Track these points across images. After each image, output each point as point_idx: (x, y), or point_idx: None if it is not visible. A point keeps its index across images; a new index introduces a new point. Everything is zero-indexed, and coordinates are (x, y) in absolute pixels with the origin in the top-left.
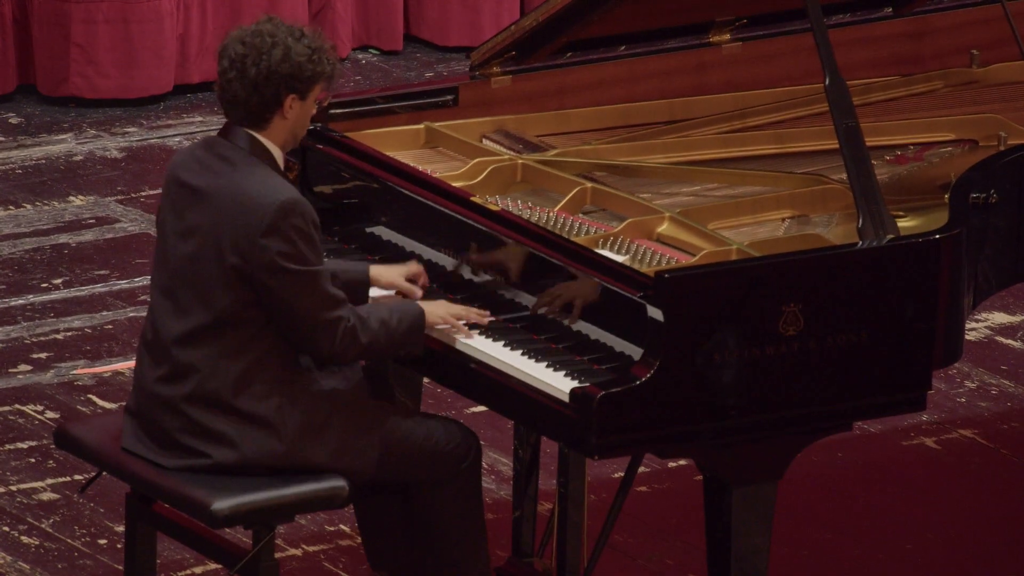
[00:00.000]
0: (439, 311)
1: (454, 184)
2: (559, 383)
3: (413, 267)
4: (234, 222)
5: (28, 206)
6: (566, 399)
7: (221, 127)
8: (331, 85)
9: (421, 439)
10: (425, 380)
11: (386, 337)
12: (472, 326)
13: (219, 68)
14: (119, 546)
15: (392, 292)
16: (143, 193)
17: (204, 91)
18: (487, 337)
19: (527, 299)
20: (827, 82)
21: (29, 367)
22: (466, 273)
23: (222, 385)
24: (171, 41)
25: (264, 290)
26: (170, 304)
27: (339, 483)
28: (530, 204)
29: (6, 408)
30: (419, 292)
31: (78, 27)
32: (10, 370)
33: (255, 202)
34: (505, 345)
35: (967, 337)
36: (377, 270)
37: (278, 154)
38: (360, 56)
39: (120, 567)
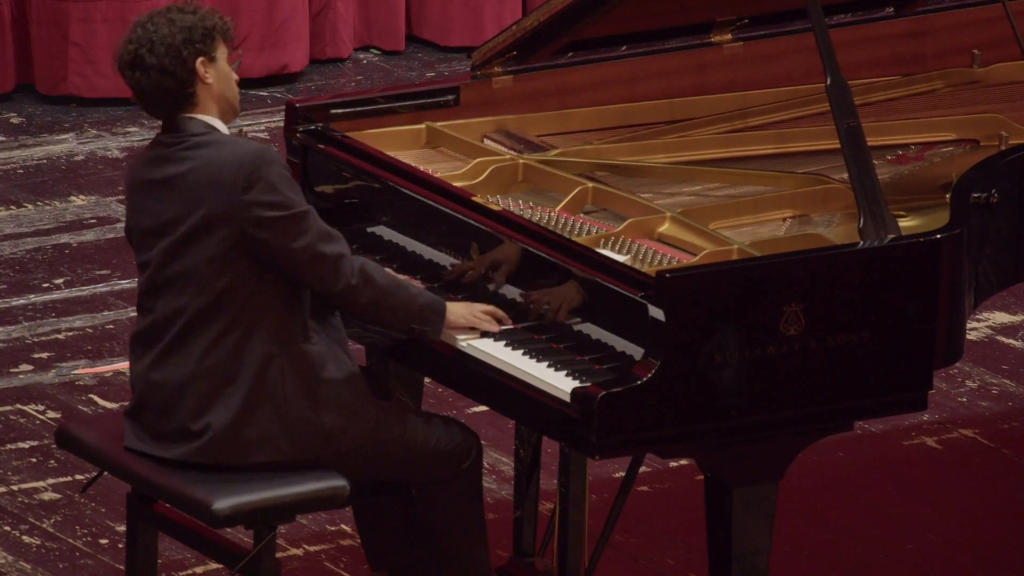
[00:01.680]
0: (461, 309)
1: (455, 184)
2: (560, 383)
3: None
4: (213, 191)
5: (29, 206)
6: (567, 399)
7: (161, 126)
8: (229, 39)
9: (422, 438)
10: (426, 380)
11: (403, 298)
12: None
13: (127, 81)
14: (120, 546)
15: None
16: None
17: None
18: (488, 337)
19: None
20: (828, 82)
21: (30, 367)
22: (467, 273)
23: (222, 360)
24: None
25: (261, 246)
26: (165, 296)
27: (340, 483)
28: (531, 204)
29: (7, 408)
30: None
31: (76, 26)
32: (11, 370)
33: (227, 164)
34: (506, 345)
35: (968, 337)
36: None
37: (222, 127)
38: (361, 56)
39: (121, 567)
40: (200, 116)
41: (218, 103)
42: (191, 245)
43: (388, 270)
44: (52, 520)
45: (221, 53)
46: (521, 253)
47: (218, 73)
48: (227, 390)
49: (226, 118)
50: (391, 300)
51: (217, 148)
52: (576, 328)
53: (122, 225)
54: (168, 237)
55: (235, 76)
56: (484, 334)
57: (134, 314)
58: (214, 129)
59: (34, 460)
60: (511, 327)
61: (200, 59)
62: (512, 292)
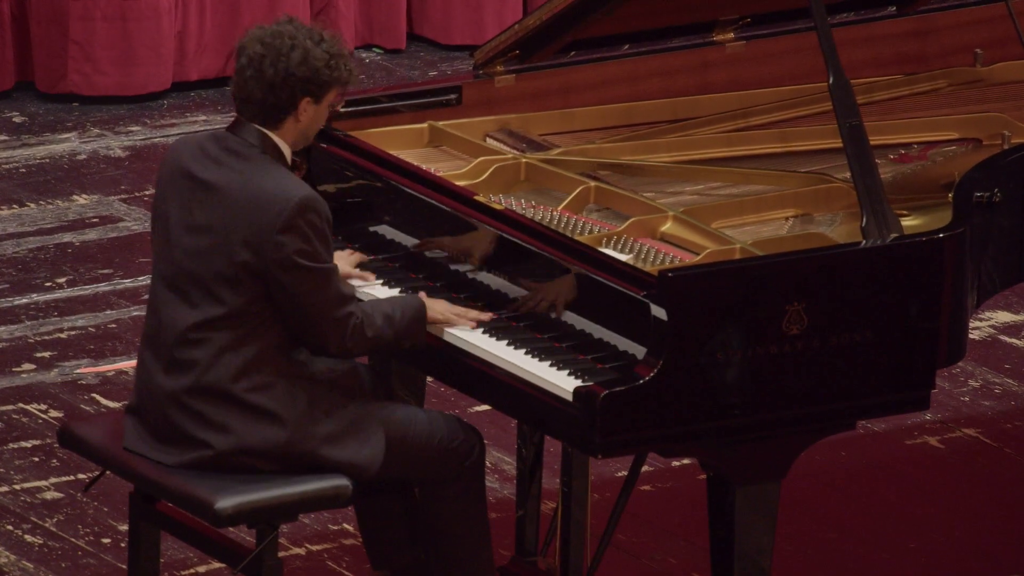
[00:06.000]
0: (439, 307)
1: (458, 183)
2: (562, 382)
3: (357, 256)
4: (248, 218)
5: (32, 205)
6: (569, 398)
7: (231, 122)
8: (345, 91)
9: (424, 436)
10: (429, 379)
11: (391, 332)
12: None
13: (236, 65)
14: (123, 545)
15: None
16: (147, 192)
17: (206, 88)
18: (490, 336)
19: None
20: (831, 81)
21: (33, 366)
22: (468, 271)
23: (224, 375)
24: (169, 39)
25: (277, 286)
26: (177, 297)
27: (343, 482)
28: (534, 203)
29: (10, 407)
30: (372, 276)
31: (76, 24)
32: (14, 369)
33: (272, 198)
34: (508, 344)
35: (971, 336)
36: None
37: (287, 152)
38: (363, 55)
39: (124, 566)
40: (273, 136)
41: (296, 135)
42: (215, 256)
43: (368, 298)
44: (54, 519)
45: (328, 99)
46: (524, 252)
47: (314, 114)
48: (229, 407)
49: (296, 147)
50: (380, 342)
51: (265, 174)
52: (578, 327)
53: (124, 224)
54: (194, 237)
55: (325, 115)
56: (485, 331)
57: (137, 313)
58: (276, 149)
59: (36, 459)
60: (501, 319)
61: (307, 99)
62: (513, 290)
